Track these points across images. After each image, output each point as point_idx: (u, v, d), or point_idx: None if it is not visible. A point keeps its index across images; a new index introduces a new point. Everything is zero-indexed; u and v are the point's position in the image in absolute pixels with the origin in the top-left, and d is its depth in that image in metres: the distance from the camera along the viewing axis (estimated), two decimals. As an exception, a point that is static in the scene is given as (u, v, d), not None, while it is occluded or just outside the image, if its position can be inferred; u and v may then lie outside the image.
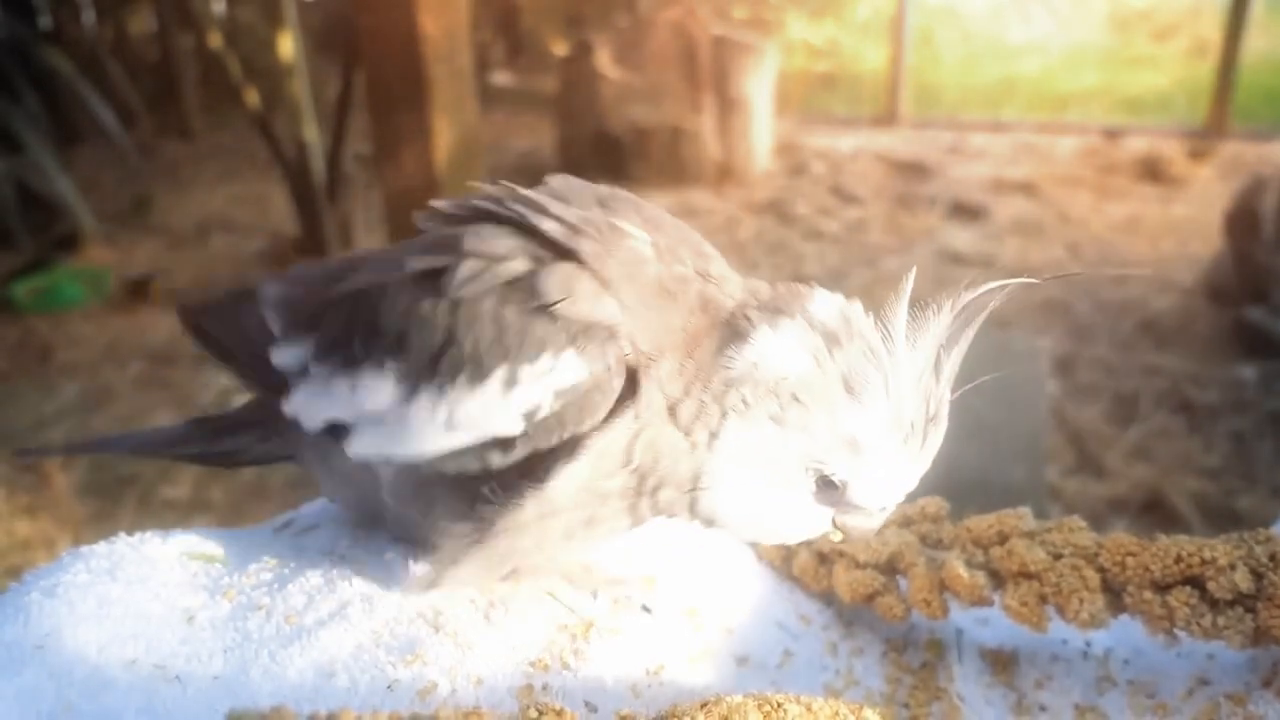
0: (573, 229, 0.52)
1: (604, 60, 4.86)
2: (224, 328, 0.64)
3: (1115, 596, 0.62)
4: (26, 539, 2.49)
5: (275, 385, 0.58)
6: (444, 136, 2.38)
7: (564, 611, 0.57)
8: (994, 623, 0.67)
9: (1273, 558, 0.58)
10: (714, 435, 0.51)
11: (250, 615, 0.53)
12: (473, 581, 0.55)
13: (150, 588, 0.54)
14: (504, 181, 0.58)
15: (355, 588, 0.56)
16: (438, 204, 0.58)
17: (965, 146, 5.40)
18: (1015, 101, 6.23)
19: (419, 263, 0.53)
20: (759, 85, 4.94)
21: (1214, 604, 0.58)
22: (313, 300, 0.58)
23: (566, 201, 0.55)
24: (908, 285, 0.53)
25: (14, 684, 0.47)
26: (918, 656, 0.65)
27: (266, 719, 0.35)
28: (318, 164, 4.05)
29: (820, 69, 7.19)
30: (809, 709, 0.47)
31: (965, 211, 4.44)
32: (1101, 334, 3.33)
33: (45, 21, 5.22)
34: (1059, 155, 5.20)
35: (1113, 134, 5.38)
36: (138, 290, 3.84)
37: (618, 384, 0.49)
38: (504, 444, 0.50)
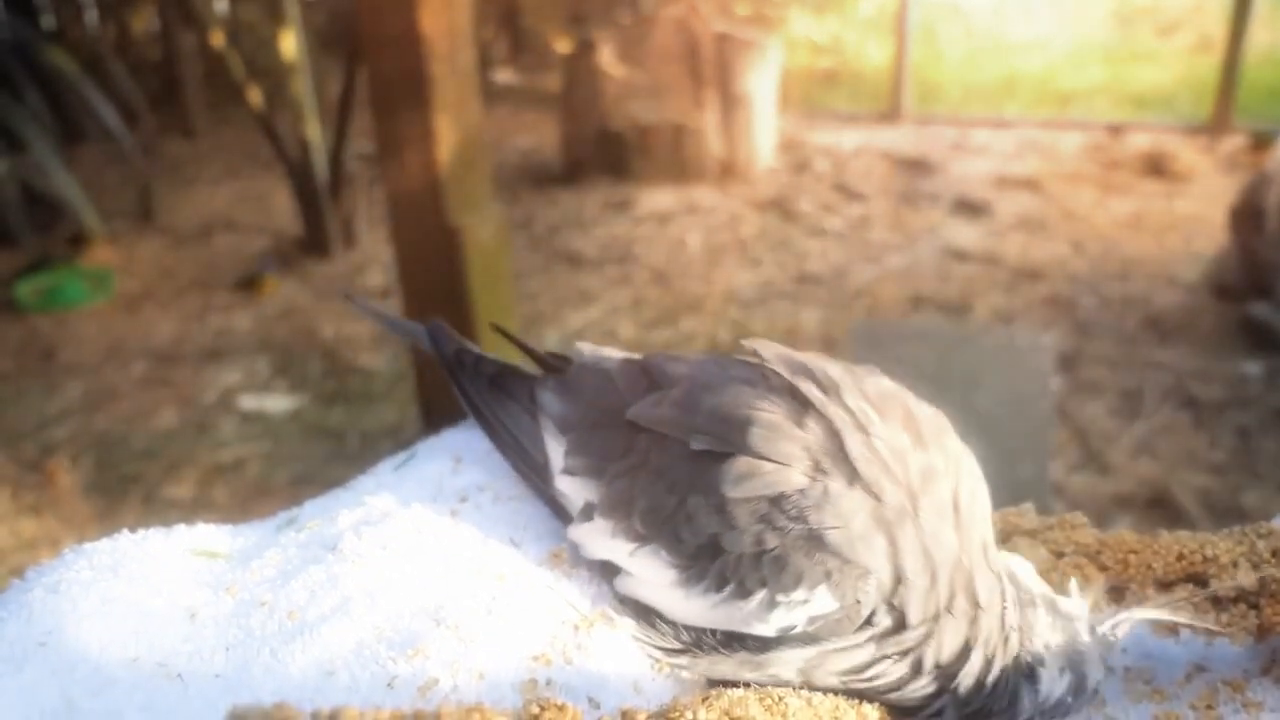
0: (884, 466, 0.53)
1: (607, 58, 4.86)
2: (486, 396, 0.69)
3: (1118, 594, 0.62)
4: (32, 538, 2.50)
5: (541, 471, 0.64)
6: (446, 135, 2.37)
7: (566, 605, 0.57)
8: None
9: (1275, 553, 0.58)
10: None
11: (253, 612, 0.53)
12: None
13: (153, 585, 0.55)
14: (833, 369, 0.58)
15: (358, 582, 0.56)
16: (763, 353, 0.59)
17: (968, 143, 5.39)
18: (1018, 98, 6.22)
19: (702, 441, 0.55)
20: (762, 82, 4.93)
21: (1217, 601, 0.58)
22: (594, 440, 0.62)
23: (882, 414, 0.55)
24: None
25: (16, 681, 0.47)
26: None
27: (269, 716, 0.36)
28: (321, 163, 4.06)
29: (823, 66, 7.18)
30: (809, 703, 0.47)
31: (969, 208, 4.44)
32: (1106, 330, 3.33)
33: (48, 21, 5.23)
34: (1062, 151, 5.19)
35: (1116, 130, 5.37)
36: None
37: (866, 613, 0.51)
38: (757, 639, 0.53)
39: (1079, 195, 4.56)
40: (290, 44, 3.91)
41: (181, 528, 0.64)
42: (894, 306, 3.55)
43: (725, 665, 0.54)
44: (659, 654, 0.55)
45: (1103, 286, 3.64)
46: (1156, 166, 4.78)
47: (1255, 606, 0.57)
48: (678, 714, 0.42)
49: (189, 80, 5.86)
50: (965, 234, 4.19)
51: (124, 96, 4.44)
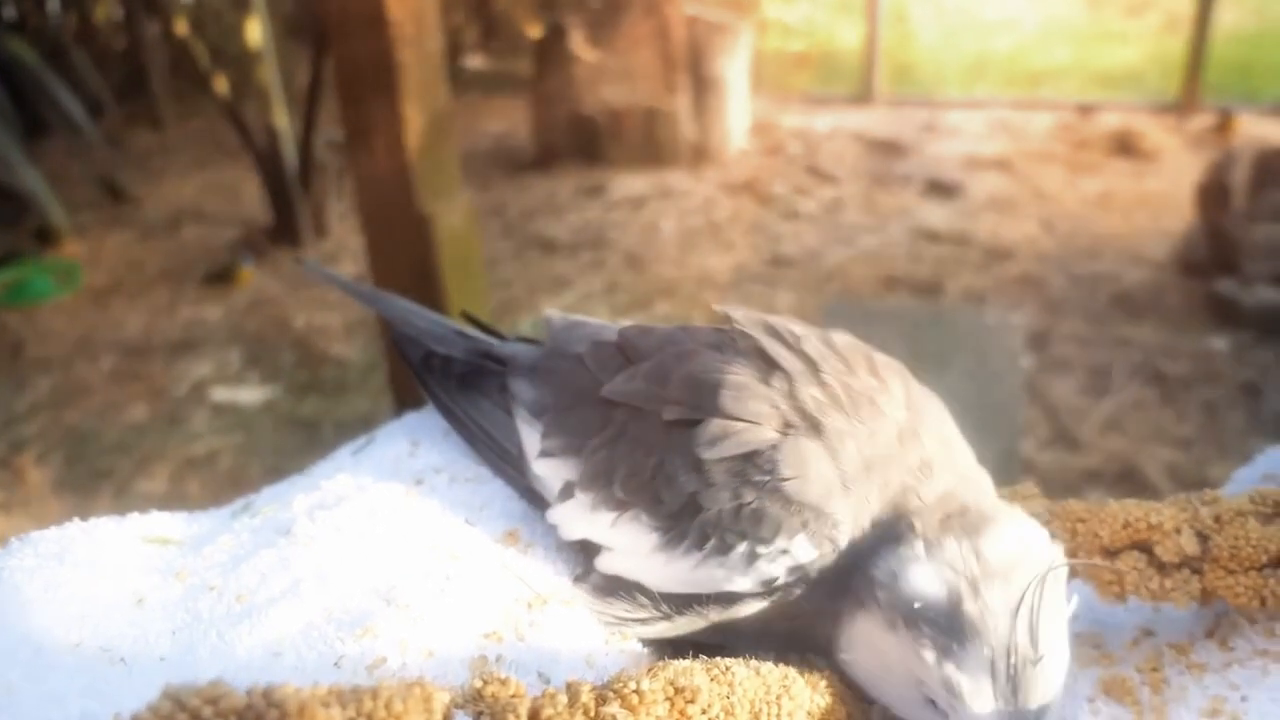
0: (834, 401, 0.54)
1: (578, 42, 4.83)
2: (457, 396, 0.69)
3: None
4: (1, 536, 2.47)
5: (515, 462, 0.64)
6: (414, 121, 2.35)
7: (520, 584, 0.57)
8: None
9: (1217, 519, 0.58)
10: (846, 617, 0.53)
11: (201, 596, 0.53)
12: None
13: (100, 571, 0.54)
14: (798, 327, 0.59)
15: (309, 564, 0.55)
16: (735, 315, 0.60)
17: (940, 124, 5.41)
18: (989, 78, 6.24)
19: (674, 411, 0.56)
20: (734, 65, 4.92)
21: (1161, 567, 0.59)
22: (569, 420, 0.62)
23: (846, 364, 0.57)
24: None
25: (-45, 668, 0.46)
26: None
27: (203, 693, 0.35)
28: (289, 151, 4.02)
29: (795, 48, 7.18)
30: (757, 672, 0.47)
31: (940, 189, 4.46)
32: (1075, 308, 3.36)
33: (9, 11, 5.13)
34: (1033, 131, 5.22)
35: (1086, 109, 5.41)
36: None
37: (836, 561, 0.53)
38: (738, 596, 0.54)
39: (1049, 175, 4.59)
40: (255, 31, 3.86)
41: (135, 515, 0.63)
42: (867, 288, 3.57)
43: (701, 624, 0.55)
44: (631, 627, 0.56)
45: (1072, 265, 3.68)
46: (1125, 145, 4.81)
47: (1199, 571, 0.58)
48: (622, 684, 0.43)
49: (154, 70, 5.77)
50: (937, 215, 4.21)
51: (88, 87, 4.38)
